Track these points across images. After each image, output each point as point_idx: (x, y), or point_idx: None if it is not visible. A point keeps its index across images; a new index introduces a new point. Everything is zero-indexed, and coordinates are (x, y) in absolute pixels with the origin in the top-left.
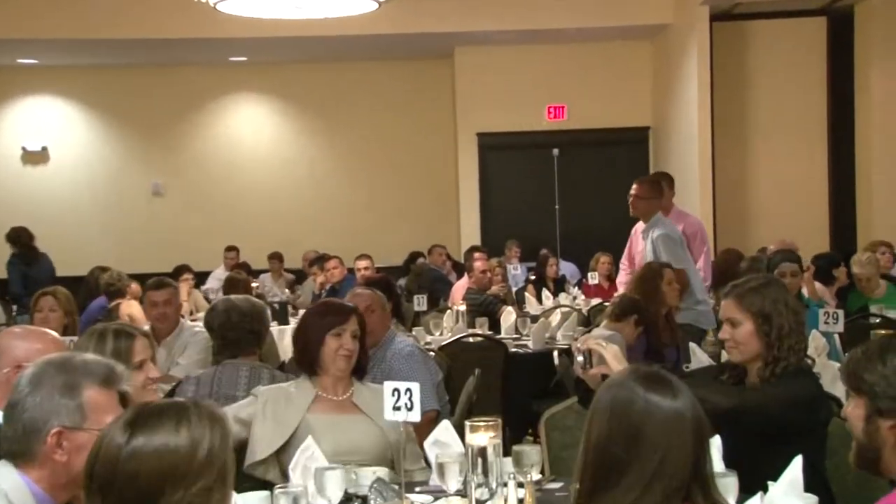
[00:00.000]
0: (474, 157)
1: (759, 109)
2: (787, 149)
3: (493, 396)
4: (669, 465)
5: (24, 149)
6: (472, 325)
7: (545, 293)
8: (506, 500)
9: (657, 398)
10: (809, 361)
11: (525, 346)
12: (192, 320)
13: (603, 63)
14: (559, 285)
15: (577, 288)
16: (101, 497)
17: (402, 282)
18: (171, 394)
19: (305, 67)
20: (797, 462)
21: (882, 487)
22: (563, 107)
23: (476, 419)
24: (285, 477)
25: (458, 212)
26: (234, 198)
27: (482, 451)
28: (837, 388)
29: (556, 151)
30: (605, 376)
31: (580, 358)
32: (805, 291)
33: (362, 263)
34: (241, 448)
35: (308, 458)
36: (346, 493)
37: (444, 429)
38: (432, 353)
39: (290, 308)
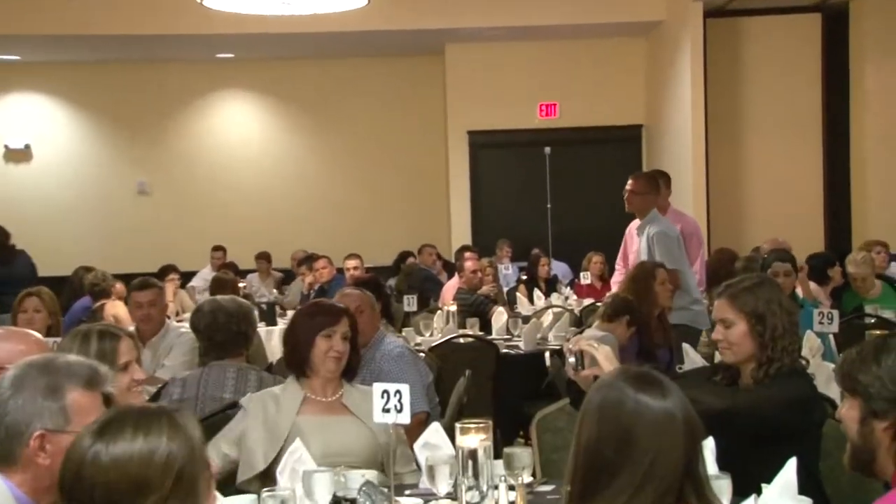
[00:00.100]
0: (465, 155)
1: (754, 107)
2: (782, 147)
3: (484, 398)
4: (661, 466)
5: (6, 147)
6: (462, 325)
7: (537, 293)
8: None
9: (647, 399)
10: (803, 362)
11: (516, 346)
12: (178, 321)
13: (595, 60)
14: (551, 285)
15: (569, 288)
16: None
17: (391, 282)
18: (156, 396)
19: (293, 64)
20: (791, 464)
21: (877, 490)
22: (555, 104)
23: (467, 421)
24: (273, 481)
25: (449, 211)
26: (222, 197)
27: (473, 454)
28: (832, 390)
29: (547, 150)
30: (597, 378)
31: (572, 359)
32: (799, 291)
33: (351, 263)
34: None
35: (296, 460)
36: (334, 496)
37: (435, 431)
38: (422, 354)
39: (277, 308)
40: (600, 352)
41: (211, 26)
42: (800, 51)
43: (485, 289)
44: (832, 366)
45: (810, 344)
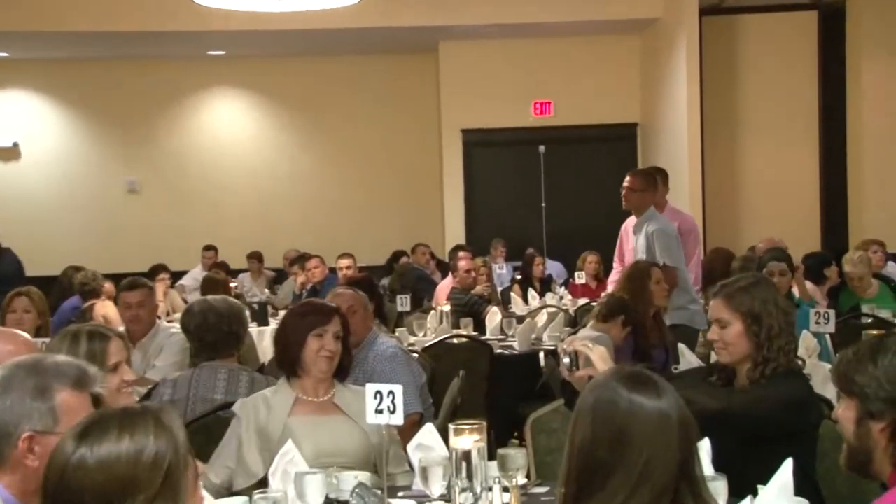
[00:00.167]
0: (459, 153)
1: (750, 105)
2: (778, 145)
3: (478, 399)
4: (655, 466)
5: None
6: (456, 325)
7: (531, 293)
8: None
9: (641, 398)
10: (800, 362)
11: (511, 347)
12: (169, 321)
13: (590, 58)
14: (545, 285)
15: (563, 288)
16: None
17: (384, 281)
18: (146, 397)
19: (285, 61)
20: (787, 465)
21: (873, 491)
22: (549, 103)
23: (460, 422)
24: (264, 483)
25: (443, 210)
26: (213, 195)
27: (467, 455)
28: (828, 390)
29: (542, 148)
30: (591, 378)
31: (566, 360)
32: (796, 291)
33: (344, 263)
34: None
35: (288, 462)
36: (326, 498)
37: (428, 432)
38: (416, 355)
39: (269, 308)
40: (595, 352)
41: (202, 23)
42: (796, 48)
43: (479, 288)
44: (828, 366)
45: (806, 344)
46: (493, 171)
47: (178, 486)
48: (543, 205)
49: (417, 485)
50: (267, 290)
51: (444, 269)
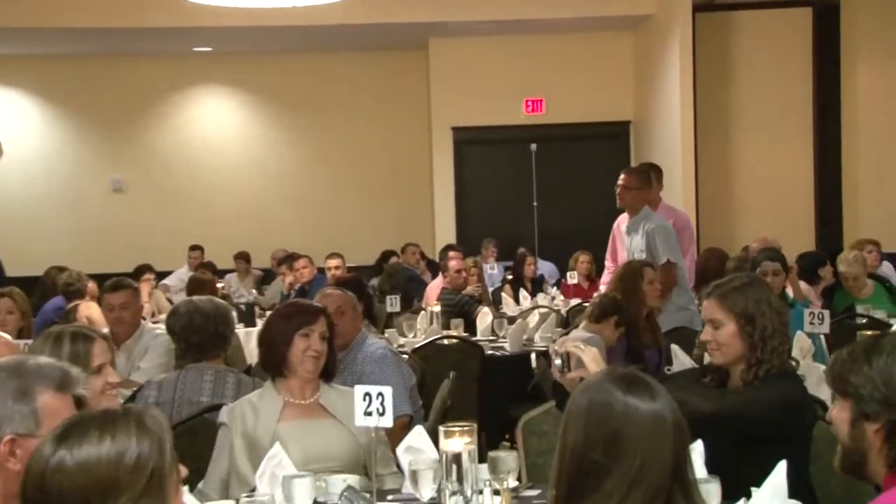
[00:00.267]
0: (449, 152)
1: (743, 103)
2: (772, 143)
3: (469, 400)
4: (650, 469)
5: None
6: (446, 326)
7: (523, 293)
8: None
9: (636, 401)
10: (794, 363)
11: (502, 348)
12: (154, 322)
13: (582, 55)
14: (537, 285)
15: (555, 288)
16: None
17: (374, 282)
18: (131, 399)
19: (273, 59)
20: (781, 467)
21: (868, 493)
22: (541, 100)
23: (451, 424)
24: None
25: (433, 209)
26: (199, 194)
27: (457, 458)
28: (823, 391)
29: (534, 146)
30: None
31: (558, 361)
32: (790, 291)
33: (333, 263)
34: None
35: (275, 465)
36: (315, 501)
37: (418, 434)
38: (405, 356)
39: (256, 309)
40: (587, 353)
41: (188, 19)
42: (790, 45)
43: (469, 289)
44: (823, 367)
45: (801, 345)
46: (484, 170)
47: (163, 487)
48: (535, 204)
49: (407, 488)
50: (254, 291)
51: (435, 269)
